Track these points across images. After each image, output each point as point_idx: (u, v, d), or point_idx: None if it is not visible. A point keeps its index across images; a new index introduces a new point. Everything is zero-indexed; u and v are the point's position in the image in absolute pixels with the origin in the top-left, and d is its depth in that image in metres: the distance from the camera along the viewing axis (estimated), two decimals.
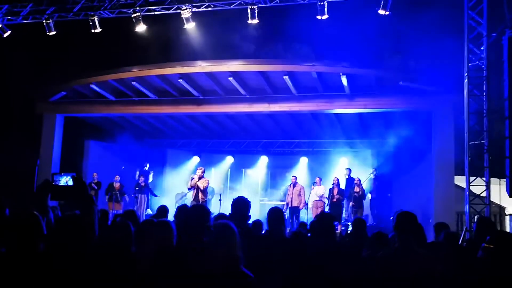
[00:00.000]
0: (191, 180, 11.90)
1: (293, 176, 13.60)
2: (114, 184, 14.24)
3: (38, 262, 2.68)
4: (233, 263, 2.84)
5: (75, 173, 3.46)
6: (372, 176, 14.31)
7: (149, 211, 14.30)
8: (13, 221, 2.80)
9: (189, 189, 12.33)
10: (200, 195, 11.82)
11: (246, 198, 4.30)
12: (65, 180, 3.46)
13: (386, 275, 3.63)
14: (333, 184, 13.27)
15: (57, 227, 3.11)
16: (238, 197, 4.35)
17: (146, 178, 15.03)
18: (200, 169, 12.04)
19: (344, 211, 13.59)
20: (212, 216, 4.11)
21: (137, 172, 15.11)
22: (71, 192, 3.35)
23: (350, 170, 13.89)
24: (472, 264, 3.94)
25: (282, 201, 14.70)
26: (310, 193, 13.36)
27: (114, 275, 3.22)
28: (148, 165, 15.71)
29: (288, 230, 9.08)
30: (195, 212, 3.73)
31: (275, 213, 4.39)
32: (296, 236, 4.52)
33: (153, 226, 3.56)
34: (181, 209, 5.28)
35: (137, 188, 14.48)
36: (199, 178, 11.78)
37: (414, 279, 3.53)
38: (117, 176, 14.35)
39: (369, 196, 13.97)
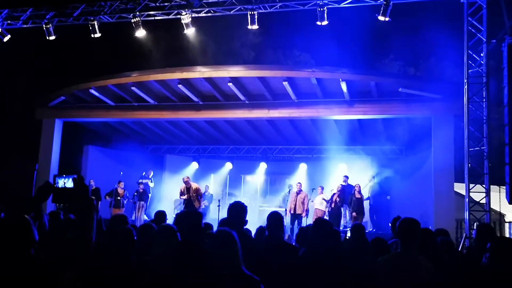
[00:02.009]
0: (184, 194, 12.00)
1: (298, 183, 13.43)
2: (119, 190, 14.18)
3: (28, 268, 2.59)
4: (235, 268, 2.81)
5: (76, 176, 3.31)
6: (371, 182, 14.25)
7: (145, 217, 14.19)
8: (2, 225, 2.72)
9: (181, 197, 12.38)
10: (196, 202, 11.82)
11: (243, 203, 4.29)
12: (63, 182, 3.33)
13: (385, 281, 3.59)
14: (337, 190, 13.21)
15: (51, 232, 3.03)
16: (235, 201, 4.34)
17: (146, 184, 14.98)
18: (185, 178, 12.10)
19: (343, 217, 13.51)
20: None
21: (140, 181, 15.00)
22: (72, 195, 3.20)
23: (347, 177, 13.79)
24: (470, 271, 3.90)
25: (281, 207, 14.59)
26: (310, 198, 13.26)
27: (113, 283, 3.13)
28: (145, 172, 15.61)
29: (287, 236, 9.02)
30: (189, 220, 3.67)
31: (274, 218, 4.39)
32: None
33: (155, 231, 3.47)
34: (181, 216, 5.24)
35: (135, 194, 14.43)
36: (187, 189, 11.80)
37: (413, 285, 3.49)
38: (122, 183, 14.29)
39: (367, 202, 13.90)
